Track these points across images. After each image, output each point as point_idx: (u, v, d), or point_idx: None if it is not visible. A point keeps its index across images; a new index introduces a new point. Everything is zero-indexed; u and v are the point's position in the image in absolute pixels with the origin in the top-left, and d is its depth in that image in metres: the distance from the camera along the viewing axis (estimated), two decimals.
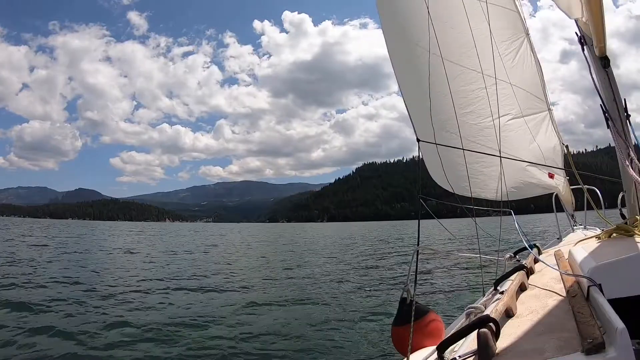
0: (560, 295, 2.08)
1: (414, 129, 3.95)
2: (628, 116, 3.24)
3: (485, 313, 1.91)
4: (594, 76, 3.25)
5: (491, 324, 1.56)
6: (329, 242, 33.75)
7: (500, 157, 3.80)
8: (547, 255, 3.62)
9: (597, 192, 4.96)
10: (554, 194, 5.24)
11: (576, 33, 3.20)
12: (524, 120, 4.82)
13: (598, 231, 3.76)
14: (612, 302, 1.56)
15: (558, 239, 5.05)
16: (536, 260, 3.31)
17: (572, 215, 5.24)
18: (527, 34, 5.23)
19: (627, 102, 3.26)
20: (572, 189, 5.49)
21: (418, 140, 3.87)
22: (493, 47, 4.71)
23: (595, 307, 1.54)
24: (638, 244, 1.98)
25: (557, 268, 2.60)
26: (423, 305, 2.58)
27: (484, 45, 4.69)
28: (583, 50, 3.27)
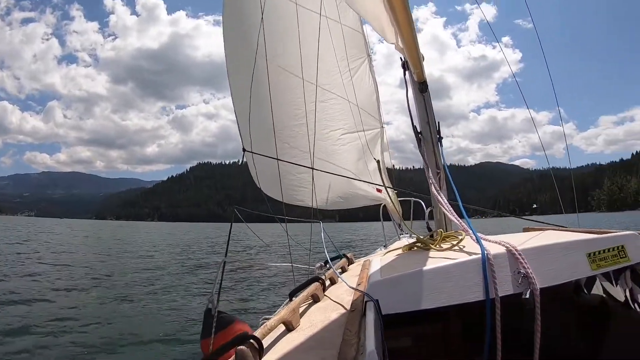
0: (346, 309, 2.10)
1: (241, 137, 3.91)
2: (440, 138, 3.49)
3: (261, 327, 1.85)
4: (411, 99, 3.49)
5: (252, 340, 1.52)
6: (150, 246, 31.58)
7: (312, 169, 3.90)
8: (357, 265, 3.71)
9: (422, 204, 5.32)
10: (383, 204, 5.50)
11: (401, 58, 3.37)
12: (357, 135, 5.05)
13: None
14: (391, 317, 1.59)
15: (384, 246, 5.28)
16: (344, 270, 3.41)
17: (400, 225, 5.58)
18: (369, 56, 5.57)
19: (440, 126, 3.52)
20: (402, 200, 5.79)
21: (244, 150, 3.82)
22: (332, 63, 4.88)
23: (366, 324, 1.53)
24: (430, 258, 2.01)
25: (345, 280, 2.65)
26: (229, 316, 2.55)
27: (326, 61, 4.81)
28: (404, 74, 3.46)
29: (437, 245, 2.44)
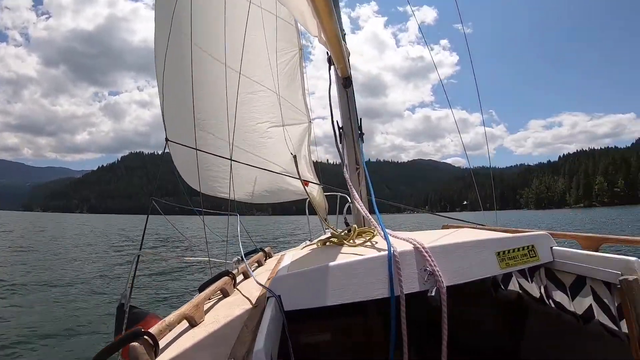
0: (252, 305, 2.09)
1: (165, 126, 3.78)
2: (361, 134, 3.51)
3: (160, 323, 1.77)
4: (334, 94, 3.49)
5: (146, 337, 1.46)
6: (73, 240, 29.95)
7: (231, 160, 3.85)
8: (274, 259, 3.71)
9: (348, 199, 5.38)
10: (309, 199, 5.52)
11: (327, 52, 3.30)
12: (284, 129, 5.01)
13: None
14: (293, 313, 1.57)
15: (310, 240, 5.29)
16: (260, 264, 3.41)
17: (325, 219, 5.61)
18: (301, 49, 5.52)
19: (362, 122, 3.55)
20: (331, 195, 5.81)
21: (166, 139, 3.70)
22: (263, 55, 4.82)
23: (262, 321, 1.50)
24: (340, 254, 1.98)
25: (253, 275, 2.64)
26: (142, 311, 2.54)
27: (258, 53, 4.76)
28: (330, 69, 3.44)
29: (351, 241, 2.45)
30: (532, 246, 1.90)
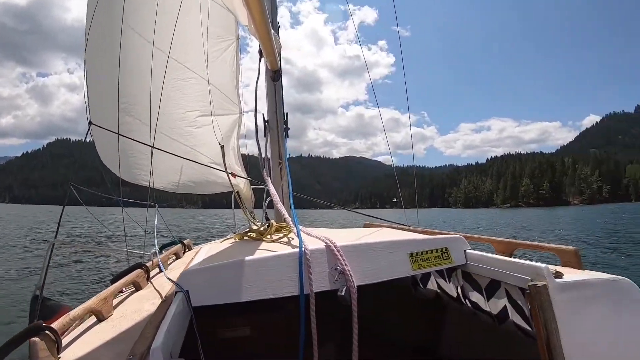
0: (162, 299, 2.02)
1: (88, 110, 3.63)
2: (287, 129, 3.52)
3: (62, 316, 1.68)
4: (262, 87, 3.47)
5: (48, 331, 1.37)
6: None
7: (152, 147, 3.77)
8: (193, 252, 3.62)
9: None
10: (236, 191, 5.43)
11: (259, 44, 3.26)
12: (214, 119, 4.90)
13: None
14: (209, 308, 1.54)
15: (235, 232, 5.24)
16: (178, 256, 3.33)
17: (252, 213, 5.54)
18: (238, 39, 5.42)
19: (287, 117, 3.56)
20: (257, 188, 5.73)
21: (90, 122, 3.54)
22: (198, 41, 4.70)
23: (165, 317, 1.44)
24: (255, 249, 1.97)
25: (164, 269, 2.57)
26: (56, 303, 2.43)
27: (191, 38, 4.63)
28: (260, 60, 3.35)
29: (268, 236, 2.46)
30: (446, 249, 1.93)
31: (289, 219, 2.26)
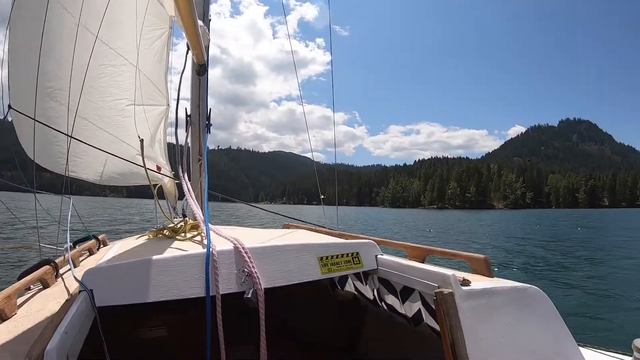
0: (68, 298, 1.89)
1: (9, 92, 3.46)
2: (209, 125, 3.49)
3: None
4: (189, 81, 3.45)
5: None
6: None
7: (70, 137, 3.59)
8: (108, 248, 3.41)
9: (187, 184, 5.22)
10: (159, 185, 5.29)
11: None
12: (143, 109, 4.83)
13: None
14: (122, 308, 1.49)
15: (157, 228, 5.13)
16: (92, 252, 3.18)
17: (174, 208, 5.44)
18: (171, 28, 5.27)
19: (211, 112, 3.52)
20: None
21: (9, 107, 3.38)
22: (130, 27, 4.56)
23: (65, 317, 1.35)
24: (166, 248, 1.95)
25: (72, 266, 2.40)
26: None
27: (123, 23, 4.47)
28: (187, 53, 3.29)
29: (182, 234, 2.48)
30: (357, 253, 1.94)
31: (200, 217, 2.26)
